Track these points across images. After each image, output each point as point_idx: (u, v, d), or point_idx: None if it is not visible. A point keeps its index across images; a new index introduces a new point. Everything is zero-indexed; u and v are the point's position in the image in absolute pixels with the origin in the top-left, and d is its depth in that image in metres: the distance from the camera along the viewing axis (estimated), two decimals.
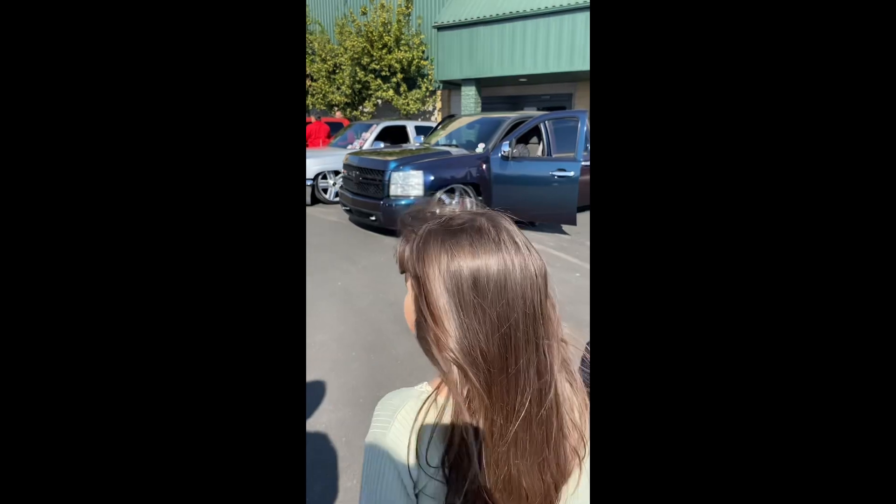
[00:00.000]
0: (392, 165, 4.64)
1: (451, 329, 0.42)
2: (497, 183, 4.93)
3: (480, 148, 5.11)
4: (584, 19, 8.25)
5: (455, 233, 0.44)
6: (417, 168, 4.62)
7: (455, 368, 0.43)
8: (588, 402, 0.49)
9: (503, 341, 0.42)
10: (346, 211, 5.44)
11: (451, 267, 0.42)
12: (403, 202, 4.58)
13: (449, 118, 6.62)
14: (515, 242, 0.44)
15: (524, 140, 5.59)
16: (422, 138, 6.72)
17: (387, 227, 4.80)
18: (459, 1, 9.96)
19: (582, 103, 9.98)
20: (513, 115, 5.53)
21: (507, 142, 4.85)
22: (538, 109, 8.25)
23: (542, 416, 0.44)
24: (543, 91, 10.44)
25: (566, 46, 8.56)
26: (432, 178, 4.65)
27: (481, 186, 4.97)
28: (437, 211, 0.49)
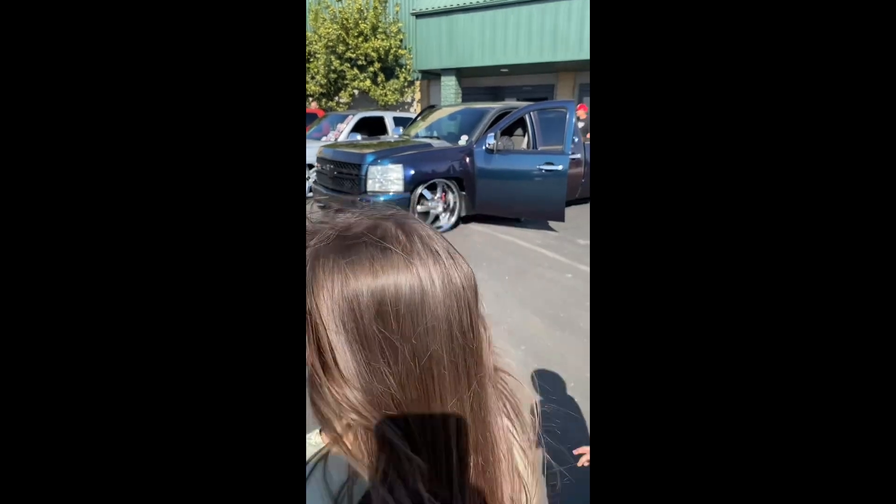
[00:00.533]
0: (369, 158, 4.33)
1: (349, 376, 0.35)
2: (481, 177, 4.67)
3: (463, 140, 4.84)
4: (566, 8, 8.03)
5: (350, 247, 0.35)
6: (396, 161, 4.32)
7: (363, 431, 0.35)
8: (538, 462, 0.45)
9: (423, 383, 0.35)
10: (321, 207, 5.11)
11: (346, 293, 0.34)
12: (382, 199, 4.28)
13: (429, 109, 6.32)
14: (433, 250, 0.36)
15: (509, 132, 5.34)
16: (401, 130, 6.41)
17: None
18: None
19: (564, 94, 9.79)
20: (497, 106, 5.26)
21: (492, 133, 4.59)
22: (518, 100, 8.02)
23: (479, 466, 0.38)
24: (525, 82, 10.21)
25: (549, 36, 8.33)
26: (412, 172, 4.36)
27: (465, 181, 4.71)
28: (329, 220, 0.38)
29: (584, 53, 8.14)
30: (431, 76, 10.78)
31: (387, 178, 4.30)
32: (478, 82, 10.64)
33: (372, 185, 4.31)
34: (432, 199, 4.59)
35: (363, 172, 4.33)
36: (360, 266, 0.34)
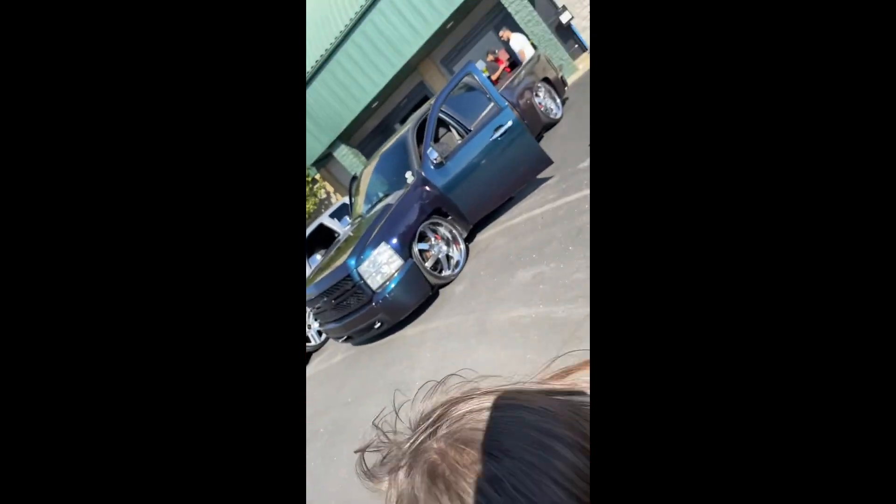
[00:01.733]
0: (351, 263, 3.83)
1: None
2: (451, 191, 4.21)
3: (410, 177, 4.40)
4: (379, 14, 7.82)
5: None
6: (375, 244, 3.83)
7: None
8: None
9: None
10: (345, 340, 4.56)
11: None
12: (394, 284, 3.77)
13: (353, 182, 5.90)
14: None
15: (436, 139, 4.93)
16: (347, 220, 5.95)
17: (396, 321, 3.97)
18: None
19: (435, 81, 9.55)
20: (406, 128, 4.86)
21: (428, 150, 4.16)
22: (401, 123, 7.46)
23: None
24: (398, 98, 9.97)
25: (384, 45, 8.10)
26: (395, 240, 3.88)
27: (442, 207, 4.25)
28: (388, 442, 0.31)
29: (423, 34, 7.92)
30: (325, 161, 10.46)
31: (381, 265, 3.80)
32: (364, 131, 10.35)
33: (374, 282, 3.80)
34: (432, 247, 4.11)
35: (357, 279, 3.82)
36: None
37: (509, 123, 3.96)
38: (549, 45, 7.68)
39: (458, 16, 8.16)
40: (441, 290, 4.07)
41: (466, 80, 4.41)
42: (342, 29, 8.05)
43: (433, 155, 4.09)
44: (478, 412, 0.28)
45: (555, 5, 8.27)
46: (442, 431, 0.28)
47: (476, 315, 3.18)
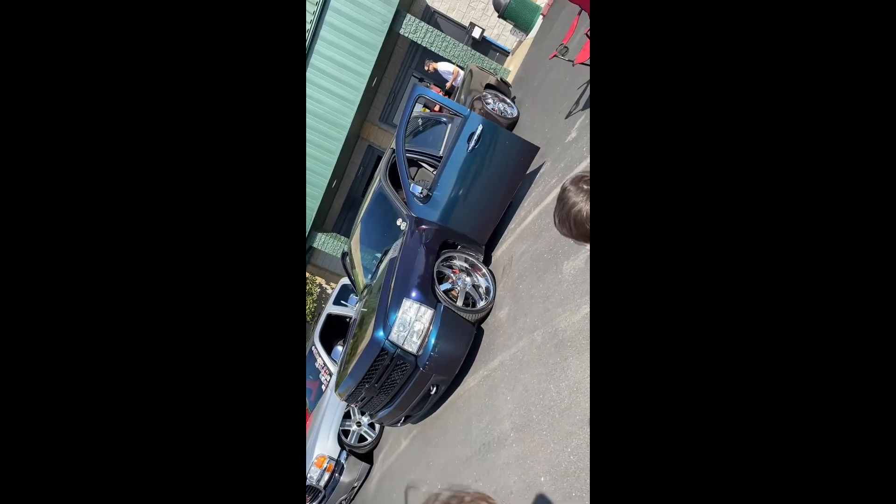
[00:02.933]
0: (379, 336, 3.37)
1: None
2: (448, 220, 3.85)
3: (402, 224, 4.03)
4: (310, 93, 7.77)
5: None
6: (397, 305, 3.39)
7: None
8: None
9: None
10: (402, 422, 4.00)
11: None
12: (433, 338, 3.31)
13: (344, 258, 5.52)
14: None
15: (412, 176, 4.61)
16: (354, 299, 5.52)
17: (452, 377, 3.47)
18: None
19: (381, 140, 9.47)
20: (377, 179, 4.55)
21: (411, 188, 3.83)
22: (362, 194, 6.94)
23: None
24: (354, 170, 9.83)
25: (324, 126, 8.01)
26: (415, 292, 3.45)
27: (447, 239, 3.87)
28: None
29: (353, 100, 7.87)
30: (307, 257, 10.13)
31: (412, 324, 3.34)
32: (334, 212, 10.11)
33: (412, 345, 3.33)
34: (454, 284, 3.69)
35: (391, 349, 3.35)
36: None
37: (480, 127, 3.67)
38: (475, 60, 7.69)
39: (378, 70, 8.18)
40: (483, 325, 3.61)
41: (419, 116, 4.19)
42: None
43: (416, 189, 3.75)
44: None
45: (462, 25, 8.41)
46: None
47: (541, 330, 2.71)
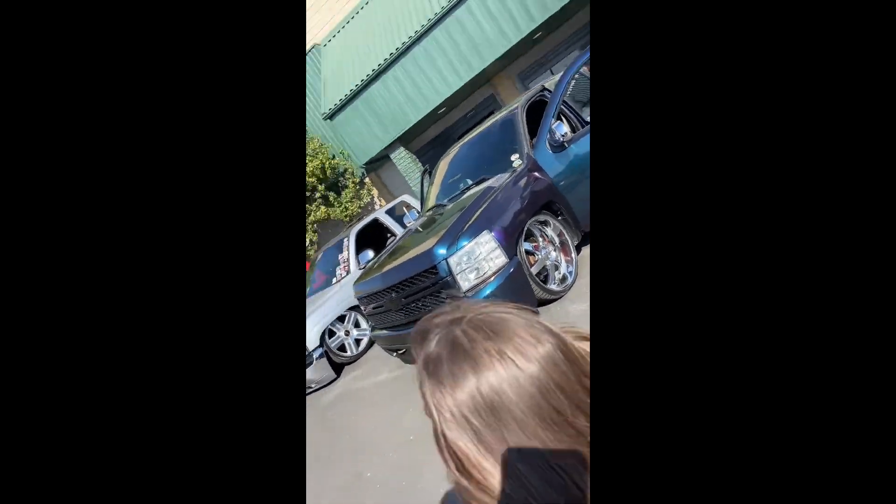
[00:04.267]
0: (440, 252, 2.88)
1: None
2: (566, 182, 3.29)
3: (516, 160, 3.50)
4: (466, 13, 7.23)
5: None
6: (476, 231, 2.89)
7: None
8: None
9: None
10: (400, 354, 3.56)
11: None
12: (491, 288, 2.80)
13: (424, 174, 5.05)
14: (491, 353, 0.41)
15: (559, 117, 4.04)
16: (415, 214, 5.06)
17: None
18: (333, 82, 8.79)
19: (508, 95, 8.88)
20: (521, 101, 3.99)
21: (556, 125, 3.27)
22: (459, 138, 6.15)
23: None
24: (467, 108, 9.30)
25: (466, 45, 7.47)
26: (499, 232, 2.94)
27: (554, 202, 3.32)
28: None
29: (511, 38, 7.30)
30: (376, 164, 9.77)
31: (480, 260, 2.84)
32: (424, 139, 9.66)
33: (467, 281, 2.83)
34: (539, 249, 3.16)
35: (444, 272, 2.86)
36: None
37: None
38: None
39: (549, 25, 7.54)
40: (542, 310, 3.08)
41: (584, 70, 3.60)
42: (423, 23, 7.48)
43: (561, 129, 3.20)
44: (489, 313, 0.44)
45: None
46: (465, 319, 0.44)
47: None
